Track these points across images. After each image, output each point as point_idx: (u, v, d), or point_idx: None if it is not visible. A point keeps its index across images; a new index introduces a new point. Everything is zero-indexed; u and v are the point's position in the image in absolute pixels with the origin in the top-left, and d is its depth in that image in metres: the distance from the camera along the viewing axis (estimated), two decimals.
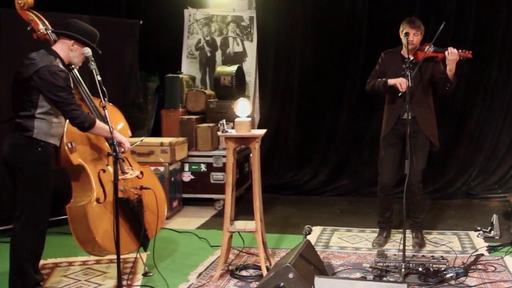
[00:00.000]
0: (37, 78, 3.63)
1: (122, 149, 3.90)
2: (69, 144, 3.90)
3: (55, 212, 4.20)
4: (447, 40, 4.91)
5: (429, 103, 4.92)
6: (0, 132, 4.06)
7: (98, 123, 3.81)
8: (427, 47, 4.68)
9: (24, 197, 3.74)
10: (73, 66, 3.99)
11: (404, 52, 4.86)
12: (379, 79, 4.85)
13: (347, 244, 5.14)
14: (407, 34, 4.67)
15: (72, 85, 3.78)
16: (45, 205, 3.80)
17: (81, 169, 4.00)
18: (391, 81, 4.74)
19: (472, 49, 6.55)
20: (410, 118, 4.37)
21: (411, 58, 4.78)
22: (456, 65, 4.64)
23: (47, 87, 3.62)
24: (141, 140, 4.39)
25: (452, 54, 4.58)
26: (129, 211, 4.11)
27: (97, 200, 3.99)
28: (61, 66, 3.73)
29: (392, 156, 4.95)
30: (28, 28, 3.99)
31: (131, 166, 4.26)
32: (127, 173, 4.06)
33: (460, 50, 4.61)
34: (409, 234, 4.94)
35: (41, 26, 3.95)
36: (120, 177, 3.81)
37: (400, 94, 4.66)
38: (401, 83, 4.63)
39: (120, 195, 3.85)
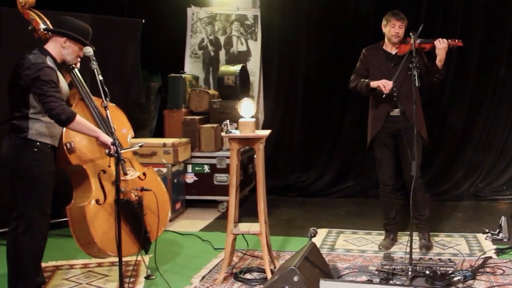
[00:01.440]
0: (24, 76, 3.62)
1: (107, 151, 3.80)
2: (68, 144, 3.88)
3: (56, 213, 4.18)
4: (454, 38, 4.86)
5: (417, 96, 4.84)
6: (0, 133, 4.02)
7: (79, 119, 3.70)
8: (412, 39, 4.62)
9: (24, 199, 3.72)
10: (73, 65, 3.99)
11: (386, 46, 4.87)
12: (362, 80, 4.81)
13: (353, 246, 5.09)
14: (414, 33, 4.62)
15: (60, 84, 3.72)
16: (45, 206, 3.77)
17: (80, 169, 3.98)
18: (373, 84, 4.70)
19: (480, 49, 6.60)
20: (403, 114, 4.40)
21: (396, 51, 4.76)
22: (446, 56, 4.66)
23: (32, 82, 3.59)
24: (140, 146, 4.31)
25: (442, 43, 4.58)
26: (129, 213, 4.07)
27: (97, 201, 3.96)
28: (49, 63, 3.69)
29: (389, 156, 4.92)
30: (30, 28, 3.97)
31: (132, 167, 4.22)
32: (128, 174, 4.02)
33: (449, 40, 4.61)
34: (416, 237, 4.90)
35: (42, 26, 3.93)
36: (120, 178, 3.77)
37: (384, 96, 4.61)
38: (384, 84, 4.59)
39: (120, 196, 3.80)
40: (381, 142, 4.89)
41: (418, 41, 4.59)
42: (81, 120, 3.73)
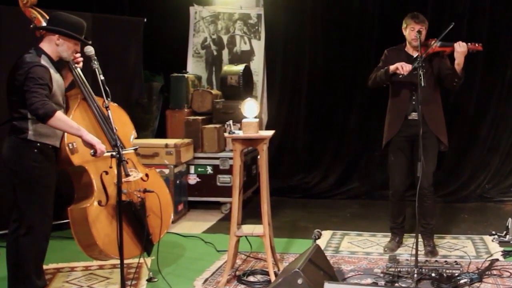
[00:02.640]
0: (18, 76, 3.58)
1: (92, 151, 3.68)
2: (70, 145, 3.85)
3: (57, 215, 4.16)
4: (461, 39, 4.81)
5: (437, 99, 4.80)
6: (0, 134, 3.99)
7: (60, 115, 3.58)
8: (433, 42, 4.62)
9: (25, 200, 3.69)
10: (75, 65, 3.94)
11: (408, 48, 4.81)
12: (380, 71, 4.77)
13: (357, 248, 5.06)
14: (419, 32, 4.58)
15: (53, 83, 3.67)
16: (47, 207, 3.74)
17: (82, 170, 3.95)
18: (392, 67, 4.66)
19: (486, 48, 6.50)
20: (422, 118, 4.32)
21: (417, 54, 4.71)
22: (464, 60, 4.59)
23: (24, 81, 3.54)
24: (135, 149, 4.26)
25: (461, 47, 4.52)
26: (132, 215, 4.04)
27: (99, 203, 3.93)
28: (43, 62, 3.64)
29: (402, 161, 4.85)
30: (31, 26, 3.92)
31: (135, 168, 4.18)
32: (130, 175, 3.98)
33: (469, 43, 4.56)
34: (421, 239, 4.84)
35: (44, 24, 3.88)
36: (123, 180, 3.75)
37: (400, 77, 4.58)
38: (402, 66, 4.56)
39: (122, 198, 3.78)
40: (396, 146, 4.83)
41: (438, 44, 4.58)
42: (62, 117, 3.61)
